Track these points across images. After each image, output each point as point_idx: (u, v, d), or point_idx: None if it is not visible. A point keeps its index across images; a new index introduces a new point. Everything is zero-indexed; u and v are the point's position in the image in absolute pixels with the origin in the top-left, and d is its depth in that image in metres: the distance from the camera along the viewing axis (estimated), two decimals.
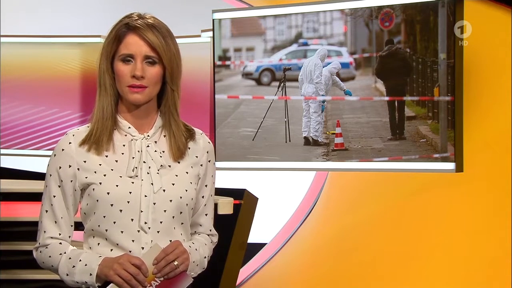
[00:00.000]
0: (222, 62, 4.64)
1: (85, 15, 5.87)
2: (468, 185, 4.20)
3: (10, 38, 5.91)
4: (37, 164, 5.68)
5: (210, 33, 4.79)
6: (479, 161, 4.17)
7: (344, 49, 4.32)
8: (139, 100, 2.06)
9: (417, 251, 4.39)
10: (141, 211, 2.04)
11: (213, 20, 4.62)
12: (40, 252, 2.12)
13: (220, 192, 4.48)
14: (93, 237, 2.09)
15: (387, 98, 4.18)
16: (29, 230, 4.33)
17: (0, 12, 5.54)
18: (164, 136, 2.13)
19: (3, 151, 5.91)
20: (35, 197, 4.60)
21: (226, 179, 4.60)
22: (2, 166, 5.68)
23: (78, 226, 2.15)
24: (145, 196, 2.05)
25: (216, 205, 4.35)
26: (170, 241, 2.05)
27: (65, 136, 2.12)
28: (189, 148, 2.15)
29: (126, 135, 2.11)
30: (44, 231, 2.11)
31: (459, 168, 3.95)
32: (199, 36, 5.36)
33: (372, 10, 4.17)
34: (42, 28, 5.99)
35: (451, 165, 3.95)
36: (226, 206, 4.46)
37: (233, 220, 4.57)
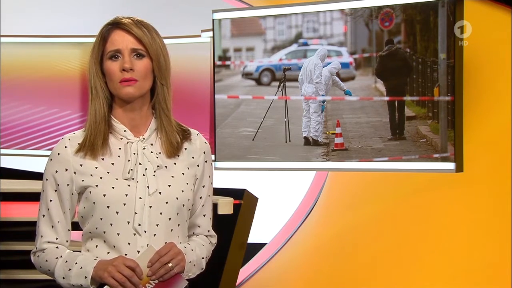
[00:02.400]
0: (222, 62, 4.64)
1: (85, 15, 5.86)
2: (468, 185, 4.20)
3: (10, 38, 5.91)
4: (37, 164, 5.67)
5: (210, 33, 4.79)
6: (479, 161, 4.17)
7: (344, 49, 4.32)
8: (131, 93, 2.06)
9: (417, 251, 4.39)
10: (135, 213, 2.04)
11: (213, 20, 4.62)
12: (38, 256, 2.12)
13: (220, 192, 4.47)
14: (91, 239, 2.09)
15: (387, 98, 4.18)
16: (29, 230, 4.32)
17: (0, 12, 5.53)
18: (160, 138, 2.13)
19: (3, 151, 5.90)
20: (35, 197, 4.57)
21: (226, 179, 4.59)
22: (2, 166, 5.68)
23: (76, 226, 2.15)
24: (140, 198, 2.05)
25: (216, 205, 4.35)
26: (166, 243, 2.06)
27: (61, 140, 2.12)
28: (186, 149, 2.15)
29: (121, 139, 2.11)
30: (41, 236, 2.11)
31: (459, 168, 3.95)
32: (199, 36, 5.35)
33: (372, 10, 4.17)
34: (42, 28, 5.99)
35: (451, 165, 3.95)
36: (226, 206, 4.46)
37: (233, 220, 4.57)
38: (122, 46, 2.06)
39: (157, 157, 2.09)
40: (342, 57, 4.33)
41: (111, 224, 2.04)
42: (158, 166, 2.09)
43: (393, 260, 4.48)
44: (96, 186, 2.05)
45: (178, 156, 2.13)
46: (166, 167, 2.10)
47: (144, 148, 2.09)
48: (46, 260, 2.09)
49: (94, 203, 2.05)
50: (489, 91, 4.17)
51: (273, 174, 5.03)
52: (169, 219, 2.08)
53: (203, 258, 2.16)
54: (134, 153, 2.08)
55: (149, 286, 1.99)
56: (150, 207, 2.05)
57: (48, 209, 2.10)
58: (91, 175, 2.06)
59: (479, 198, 4.20)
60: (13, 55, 5.93)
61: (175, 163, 2.12)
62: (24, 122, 6.00)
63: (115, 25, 2.09)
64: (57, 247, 2.10)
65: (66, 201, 2.10)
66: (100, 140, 2.08)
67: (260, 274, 5.11)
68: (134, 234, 2.05)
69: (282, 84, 4.52)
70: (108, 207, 2.04)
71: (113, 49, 2.07)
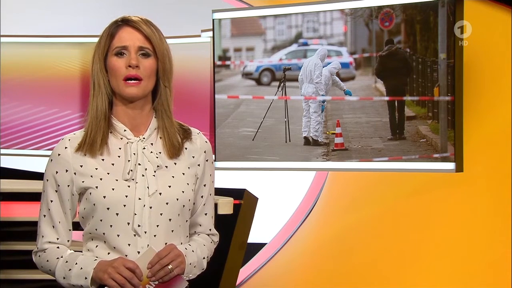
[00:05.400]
0: (222, 62, 4.64)
1: (85, 15, 5.86)
2: (468, 185, 4.20)
3: (10, 38, 5.91)
4: (37, 164, 5.68)
5: (210, 33, 4.79)
6: (479, 161, 4.17)
7: (344, 49, 4.32)
8: (135, 93, 2.05)
9: (417, 251, 4.39)
10: (135, 214, 2.04)
11: (213, 20, 4.62)
12: (39, 256, 2.13)
13: (220, 192, 4.48)
14: (92, 239, 2.09)
15: (387, 98, 4.18)
16: (29, 230, 4.33)
17: (0, 12, 5.53)
18: (160, 137, 2.12)
19: (3, 151, 5.91)
20: (35, 197, 4.59)
21: (226, 179, 4.59)
22: (2, 166, 5.68)
23: (77, 226, 2.15)
24: (139, 199, 2.05)
25: (216, 205, 4.35)
26: (166, 244, 2.05)
27: (61, 141, 2.11)
28: (186, 148, 2.14)
29: (121, 138, 2.10)
30: (42, 236, 2.11)
31: (459, 168, 3.95)
32: (199, 36, 5.36)
33: (372, 10, 4.17)
34: (42, 28, 5.99)
35: (451, 165, 3.95)
36: (226, 206, 4.46)
37: (233, 220, 4.57)
38: (129, 43, 2.05)
39: (157, 157, 2.09)
40: (342, 57, 4.33)
41: (111, 226, 2.04)
42: (158, 166, 2.08)
43: (393, 260, 4.48)
44: (96, 187, 2.04)
45: (179, 156, 2.12)
46: (166, 167, 2.09)
47: (144, 148, 2.09)
48: (47, 260, 2.10)
49: (94, 204, 2.05)
50: (489, 91, 4.17)
51: (273, 174, 5.03)
52: (170, 220, 2.07)
53: (204, 258, 2.15)
54: (134, 153, 2.08)
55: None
56: (151, 207, 2.05)
57: (49, 209, 2.10)
58: (91, 176, 2.06)
59: (479, 198, 4.20)
60: (13, 55, 5.93)
61: (175, 163, 2.11)
62: (24, 122, 6.00)
63: (124, 22, 2.07)
64: (58, 247, 2.11)
65: (66, 201, 2.10)
66: (100, 137, 2.06)
67: (260, 274, 5.11)
68: (134, 235, 2.04)
69: (282, 84, 4.52)
70: (108, 208, 2.04)
71: (120, 45, 2.05)
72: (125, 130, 2.10)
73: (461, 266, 4.21)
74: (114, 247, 2.05)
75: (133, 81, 2.04)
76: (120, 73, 2.05)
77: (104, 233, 2.05)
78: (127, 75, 2.04)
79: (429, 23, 4.00)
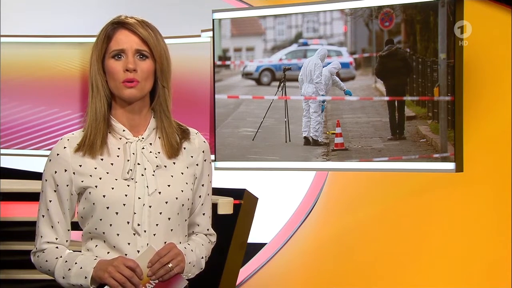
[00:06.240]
0: (222, 62, 4.64)
1: (85, 15, 5.86)
2: (468, 185, 4.20)
3: (10, 38, 5.91)
4: (37, 164, 5.66)
5: (210, 33, 4.79)
6: (479, 161, 4.17)
7: (344, 49, 4.32)
8: (133, 95, 2.06)
9: (417, 251, 4.39)
10: (135, 213, 2.04)
11: (213, 20, 4.62)
12: (38, 256, 2.13)
13: (220, 192, 4.48)
14: (91, 239, 2.09)
15: (387, 98, 4.18)
16: (29, 230, 4.32)
17: (0, 12, 5.53)
18: (159, 137, 2.12)
19: (3, 151, 5.91)
20: (35, 197, 4.58)
21: (226, 179, 4.59)
22: (2, 166, 5.68)
23: (77, 226, 2.15)
24: (139, 198, 2.05)
25: (216, 205, 4.35)
26: (165, 243, 2.06)
27: (60, 141, 2.11)
28: (184, 148, 2.15)
29: (120, 138, 2.10)
30: (41, 236, 2.11)
31: (459, 168, 3.95)
32: (199, 36, 5.35)
33: (372, 10, 4.17)
34: (42, 28, 5.99)
35: (451, 165, 3.95)
36: (226, 206, 4.46)
37: (233, 220, 4.57)
38: (126, 46, 2.06)
39: (156, 157, 2.09)
40: (342, 57, 4.33)
41: (111, 225, 2.04)
42: (157, 166, 2.08)
43: (393, 260, 4.48)
44: (96, 186, 2.05)
45: (177, 156, 2.13)
46: (165, 166, 2.10)
47: (143, 148, 2.09)
48: (46, 261, 2.10)
49: (93, 204, 2.05)
50: (489, 91, 4.17)
51: (273, 174, 5.03)
52: (169, 219, 2.08)
53: (202, 258, 2.16)
54: (133, 153, 2.08)
55: (149, 286, 1.99)
56: (150, 207, 2.05)
57: (48, 209, 2.10)
58: (91, 175, 2.06)
59: (479, 198, 4.20)
60: (13, 55, 5.93)
61: (174, 163, 2.12)
62: (24, 122, 6.00)
63: (120, 24, 2.08)
64: (57, 247, 2.11)
65: (65, 201, 2.10)
66: (99, 139, 2.07)
67: (260, 274, 5.11)
68: (134, 234, 2.05)
69: (282, 84, 4.52)
70: (107, 207, 2.04)
71: (117, 49, 2.06)
72: (124, 130, 2.10)
73: (461, 266, 4.21)
74: (114, 246, 2.05)
75: (131, 83, 2.05)
76: (118, 76, 2.06)
77: (103, 232, 2.05)
78: (125, 78, 2.05)
79: (429, 23, 4.00)
